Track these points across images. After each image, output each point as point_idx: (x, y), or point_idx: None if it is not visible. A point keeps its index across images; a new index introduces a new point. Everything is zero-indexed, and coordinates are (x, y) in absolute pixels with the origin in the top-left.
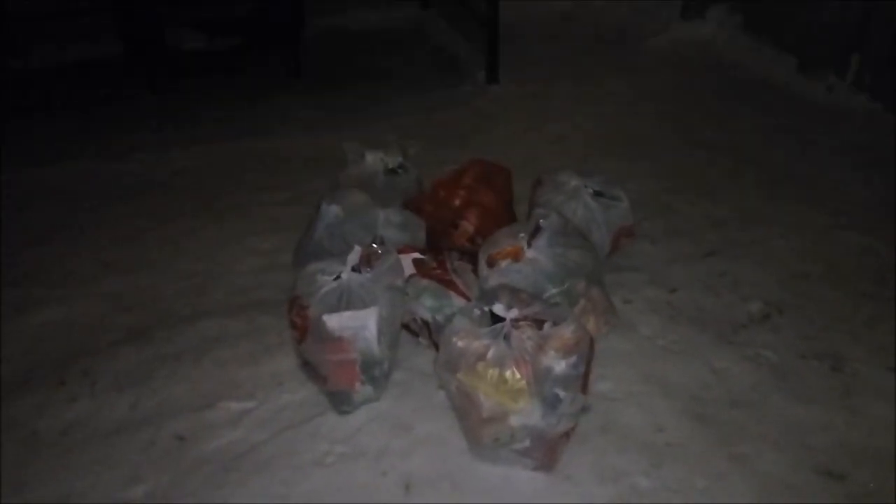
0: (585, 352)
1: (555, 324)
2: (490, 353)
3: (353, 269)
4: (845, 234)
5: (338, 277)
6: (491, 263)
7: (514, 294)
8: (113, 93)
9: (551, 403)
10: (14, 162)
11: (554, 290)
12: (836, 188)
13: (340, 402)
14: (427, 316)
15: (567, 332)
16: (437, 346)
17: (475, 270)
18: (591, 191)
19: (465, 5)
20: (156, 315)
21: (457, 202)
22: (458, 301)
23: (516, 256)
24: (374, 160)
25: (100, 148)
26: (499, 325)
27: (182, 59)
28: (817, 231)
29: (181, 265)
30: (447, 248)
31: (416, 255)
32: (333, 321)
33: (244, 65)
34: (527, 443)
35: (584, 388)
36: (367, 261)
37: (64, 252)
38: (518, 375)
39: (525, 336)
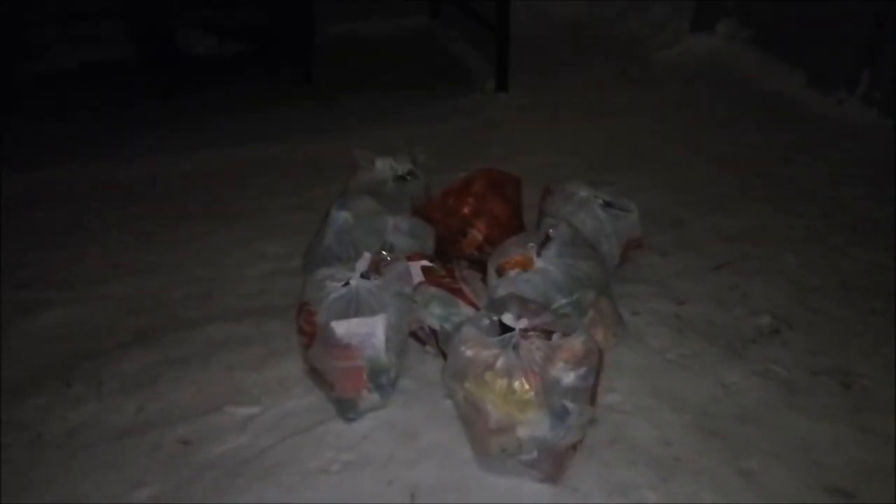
0: (594, 364)
1: (564, 335)
2: (498, 363)
3: (362, 276)
4: (855, 250)
5: (346, 284)
6: (500, 272)
7: (523, 304)
8: (123, 96)
9: (559, 415)
10: (23, 164)
11: (563, 301)
12: (845, 203)
13: (346, 409)
14: (435, 324)
15: (576, 343)
16: (444, 355)
17: (484, 279)
18: (600, 201)
19: (474, 15)
20: (163, 318)
21: (466, 210)
22: (467, 310)
23: (525, 266)
24: (383, 166)
25: (109, 151)
26: (508, 335)
27: (193, 63)
28: (827, 246)
29: (189, 269)
30: (456, 256)
31: (425, 262)
32: (341, 328)
33: (255, 70)
34: (534, 454)
35: (593, 400)
36: (375, 267)
37: (72, 254)
38: (526, 386)
39: (534, 346)
